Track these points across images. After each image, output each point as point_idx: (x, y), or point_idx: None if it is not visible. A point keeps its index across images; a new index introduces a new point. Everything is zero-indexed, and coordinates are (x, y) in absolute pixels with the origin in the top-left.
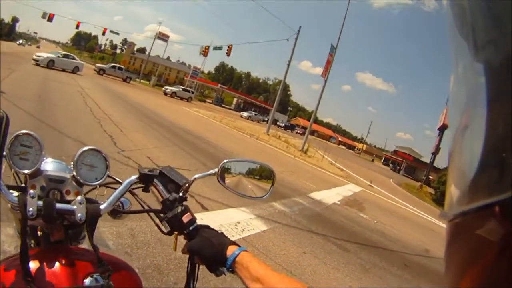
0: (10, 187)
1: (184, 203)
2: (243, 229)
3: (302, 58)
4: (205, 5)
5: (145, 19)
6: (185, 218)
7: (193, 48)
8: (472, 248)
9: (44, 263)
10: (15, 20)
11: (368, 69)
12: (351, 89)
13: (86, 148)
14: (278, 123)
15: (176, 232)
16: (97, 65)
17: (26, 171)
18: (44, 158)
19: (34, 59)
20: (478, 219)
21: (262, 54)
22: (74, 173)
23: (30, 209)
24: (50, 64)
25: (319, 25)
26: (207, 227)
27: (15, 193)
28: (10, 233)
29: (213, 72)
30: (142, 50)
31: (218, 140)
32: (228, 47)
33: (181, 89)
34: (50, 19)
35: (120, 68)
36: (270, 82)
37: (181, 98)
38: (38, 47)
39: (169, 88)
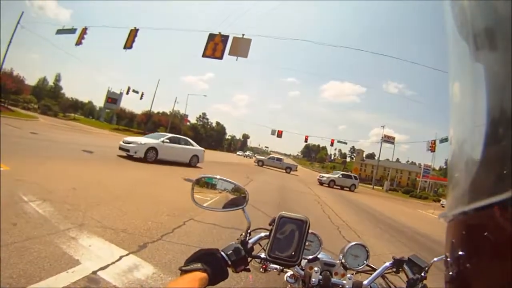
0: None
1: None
2: None
3: None
4: (421, 99)
5: (368, 124)
6: None
7: (419, 145)
8: (472, 248)
9: None
10: (245, 136)
11: None
12: None
13: (354, 243)
14: None
15: None
16: (257, 156)
17: (308, 257)
18: (320, 250)
19: (121, 148)
20: (478, 219)
21: None
22: (343, 260)
23: (313, 279)
24: (149, 154)
25: None
26: None
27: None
28: None
29: (444, 167)
30: (371, 156)
31: None
32: None
33: (340, 175)
34: (279, 135)
35: (278, 159)
36: None
37: (342, 187)
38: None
39: (325, 176)
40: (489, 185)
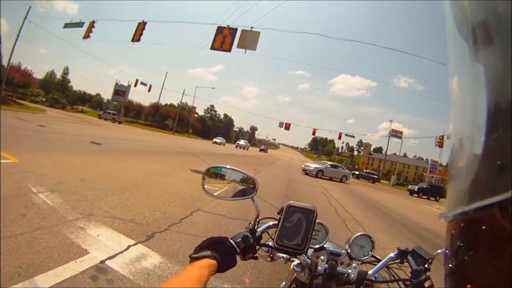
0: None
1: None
2: None
3: None
4: (431, 94)
5: (376, 119)
6: (427, 284)
7: (427, 141)
8: (472, 248)
9: None
10: (253, 128)
11: None
12: None
13: (360, 233)
14: None
15: None
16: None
17: (315, 246)
18: (327, 240)
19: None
20: (478, 219)
21: None
22: (349, 250)
23: (320, 268)
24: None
25: None
26: None
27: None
28: None
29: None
30: (378, 150)
31: None
32: None
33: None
34: (287, 127)
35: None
36: None
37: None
38: (263, 149)
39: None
40: (489, 185)
